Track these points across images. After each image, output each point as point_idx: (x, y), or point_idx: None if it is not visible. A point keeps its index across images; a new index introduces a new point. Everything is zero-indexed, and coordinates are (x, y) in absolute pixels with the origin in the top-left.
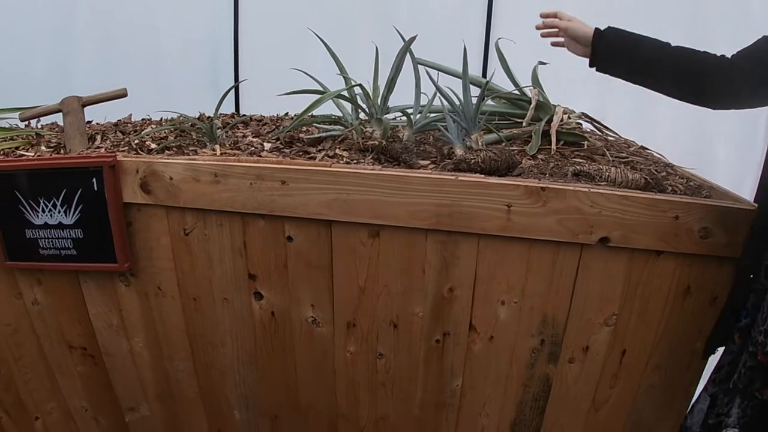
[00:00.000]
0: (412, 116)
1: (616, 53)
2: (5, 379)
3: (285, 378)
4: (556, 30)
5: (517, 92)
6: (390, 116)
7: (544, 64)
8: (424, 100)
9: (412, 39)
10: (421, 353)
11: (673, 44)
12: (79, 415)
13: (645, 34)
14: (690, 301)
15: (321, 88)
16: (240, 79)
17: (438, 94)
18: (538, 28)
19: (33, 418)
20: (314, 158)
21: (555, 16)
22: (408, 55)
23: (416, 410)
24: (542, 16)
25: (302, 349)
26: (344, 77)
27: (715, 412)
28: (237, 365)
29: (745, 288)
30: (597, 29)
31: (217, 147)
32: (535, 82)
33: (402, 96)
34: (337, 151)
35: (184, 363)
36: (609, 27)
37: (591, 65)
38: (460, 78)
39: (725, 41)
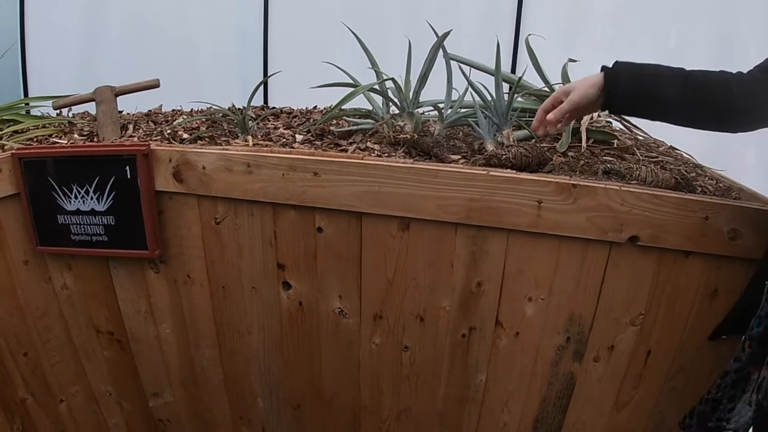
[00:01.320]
0: (443, 111)
1: (635, 88)
2: (32, 361)
3: (309, 368)
4: (567, 112)
5: (547, 89)
6: (418, 111)
7: (574, 61)
8: (454, 96)
9: (446, 34)
10: (446, 347)
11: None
12: (104, 399)
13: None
14: (717, 303)
15: (352, 82)
16: (268, 72)
17: (470, 89)
18: (538, 126)
19: (58, 401)
20: (346, 151)
21: (557, 101)
22: (440, 50)
23: (439, 404)
24: (544, 110)
25: (328, 340)
26: (376, 71)
27: (716, 416)
28: (262, 354)
29: (759, 291)
30: (605, 68)
31: (250, 138)
32: (565, 79)
33: (430, 91)
34: (369, 144)
35: (210, 350)
36: (617, 62)
37: (605, 108)
38: (490, 74)
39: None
